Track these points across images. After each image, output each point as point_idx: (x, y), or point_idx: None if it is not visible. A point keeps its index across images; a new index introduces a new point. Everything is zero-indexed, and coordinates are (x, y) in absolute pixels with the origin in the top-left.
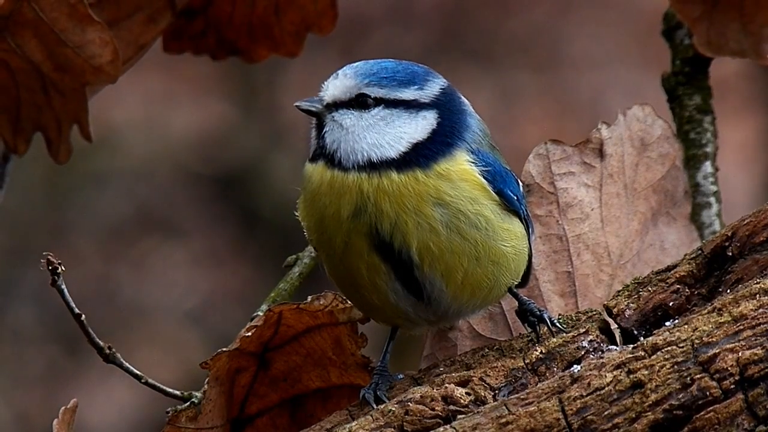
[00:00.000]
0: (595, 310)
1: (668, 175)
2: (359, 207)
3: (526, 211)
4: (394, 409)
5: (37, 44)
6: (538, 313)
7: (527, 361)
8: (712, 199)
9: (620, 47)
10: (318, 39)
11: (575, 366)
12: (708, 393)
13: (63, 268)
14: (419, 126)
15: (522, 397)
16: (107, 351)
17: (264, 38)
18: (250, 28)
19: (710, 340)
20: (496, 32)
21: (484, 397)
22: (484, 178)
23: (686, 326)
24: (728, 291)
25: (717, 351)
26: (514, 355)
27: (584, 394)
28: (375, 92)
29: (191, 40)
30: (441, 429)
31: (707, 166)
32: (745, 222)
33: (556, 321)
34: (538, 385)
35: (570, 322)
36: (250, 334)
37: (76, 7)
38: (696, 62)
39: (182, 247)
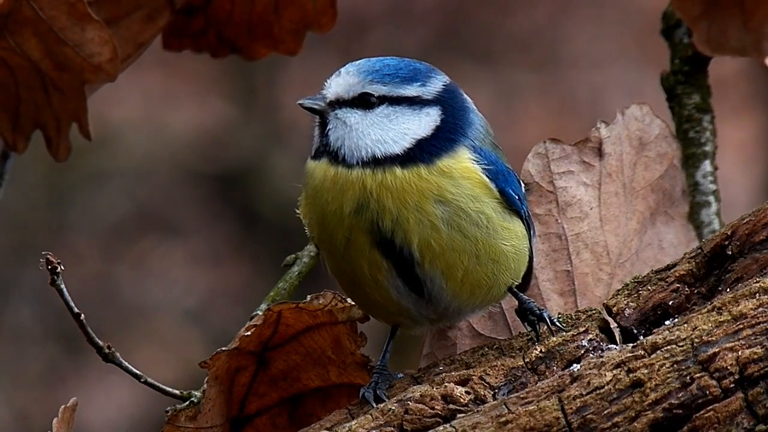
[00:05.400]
0: (595, 309)
1: (666, 175)
2: (361, 203)
3: (528, 211)
4: (393, 408)
5: (37, 43)
6: (537, 311)
7: (527, 360)
8: (712, 198)
9: (619, 46)
10: (318, 38)
11: (575, 365)
12: (708, 392)
13: (62, 268)
14: (423, 122)
15: (522, 396)
16: (106, 350)
17: (263, 36)
18: (250, 26)
19: (710, 339)
20: (496, 31)
21: (484, 396)
22: (487, 176)
23: (686, 325)
24: (728, 290)
25: (717, 350)
26: (513, 354)
27: (584, 393)
28: (378, 90)
29: (191, 37)
30: (441, 428)
31: (706, 165)
32: (745, 221)
33: (555, 320)
34: (538, 384)
35: (569, 321)
36: (249, 333)
37: (75, 6)
38: (695, 61)
39: (182, 246)
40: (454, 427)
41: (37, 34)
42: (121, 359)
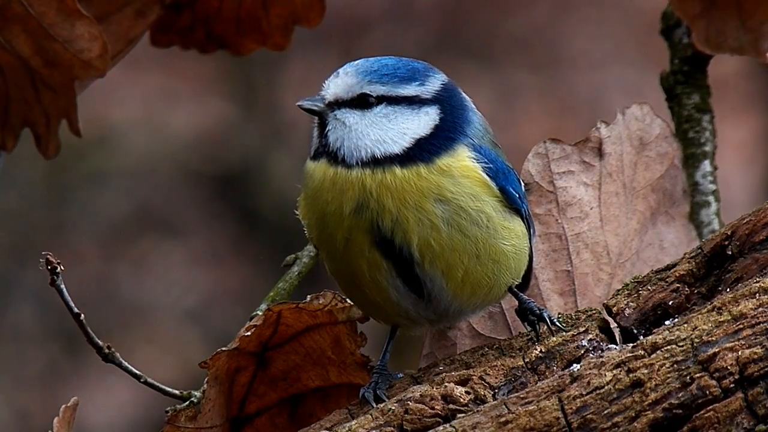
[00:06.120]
0: (595, 309)
1: (667, 174)
2: (361, 203)
3: (528, 210)
4: (393, 408)
5: (26, 39)
6: (537, 311)
7: (527, 359)
8: (711, 198)
9: (619, 46)
10: (318, 37)
11: (575, 365)
12: (708, 392)
13: (62, 268)
14: (422, 122)
15: (522, 396)
16: (106, 350)
17: (252, 31)
18: (238, 22)
19: (710, 339)
20: (496, 31)
21: (484, 396)
22: (487, 174)
23: (686, 325)
24: (728, 290)
25: (717, 350)
26: (513, 354)
27: (584, 393)
28: (377, 90)
29: (179, 33)
30: (441, 428)
31: (706, 165)
32: (745, 221)
33: (555, 320)
34: (538, 384)
35: (569, 321)
36: (249, 333)
37: (65, 2)
38: (694, 61)
39: (182, 246)
40: (454, 427)
41: (27, 30)
42: (120, 359)
